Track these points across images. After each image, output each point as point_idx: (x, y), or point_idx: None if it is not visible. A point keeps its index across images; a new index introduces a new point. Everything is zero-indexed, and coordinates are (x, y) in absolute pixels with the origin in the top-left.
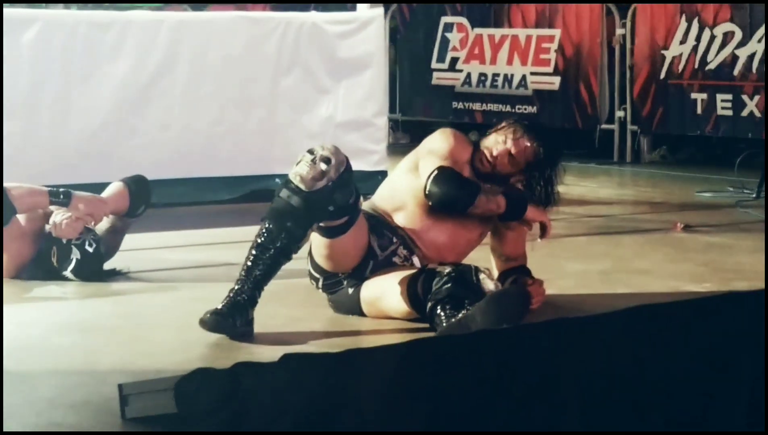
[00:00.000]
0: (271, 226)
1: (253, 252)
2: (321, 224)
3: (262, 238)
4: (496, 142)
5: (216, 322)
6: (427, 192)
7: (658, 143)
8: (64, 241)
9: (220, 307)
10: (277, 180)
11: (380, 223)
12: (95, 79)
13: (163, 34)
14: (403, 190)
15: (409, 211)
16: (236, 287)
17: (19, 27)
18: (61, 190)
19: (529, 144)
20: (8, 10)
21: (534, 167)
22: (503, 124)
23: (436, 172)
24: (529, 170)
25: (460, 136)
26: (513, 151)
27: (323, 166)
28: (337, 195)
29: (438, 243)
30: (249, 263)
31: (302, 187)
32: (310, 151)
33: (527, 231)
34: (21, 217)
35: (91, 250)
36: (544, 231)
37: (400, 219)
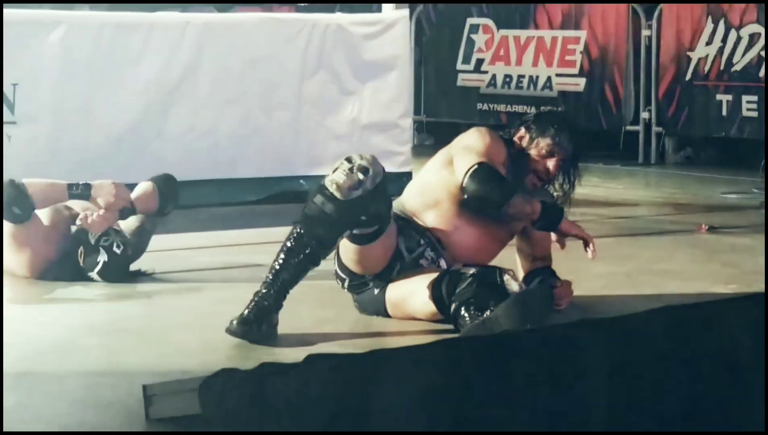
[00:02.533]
0: (302, 231)
1: (282, 256)
2: (353, 232)
3: (292, 243)
4: (549, 158)
5: (243, 331)
6: (463, 186)
7: (683, 144)
8: (93, 241)
9: (246, 313)
10: (302, 181)
11: (408, 225)
12: (121, 81)
13: (188, 36)
14: (436, 186)
15: (442, 208)
16: (263, 291)
17: (45, 29)
18: (80, 182)
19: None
20: (34, 12)
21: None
22: (549, 138)
23: (476, 166)
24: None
25: (495, 136)
26: (558, 165)
27: (360, 176)
28: (371, 205)
29: (467, 244)
30: (277, 267)
31: (338, 195)
32: (348, 160)
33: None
34: (44, 217)
35: (118, 251)
36: (587, 245)
37: (430, 218)
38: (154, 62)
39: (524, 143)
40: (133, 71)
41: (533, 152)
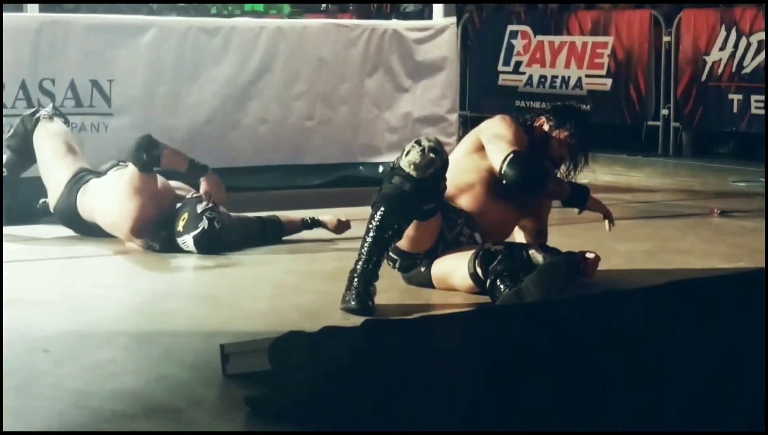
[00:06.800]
0: (387, 209)
1: (372, 234)
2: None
3: (380, 222)
4: (565, 148)
5: (362, 308)
6: (503, 173)
7: (711, 139)
8: (199, 210)
9: (358, 290)
10: (361, 167)
11: (444, 207)
12: (203, 78)
13: (262, 38)
14: (467, 170)
15: (475, 190)
16: (363, 266)
17: (136, 32)
18: (200, 163)
19: (573, 141)
20: (128, 17)
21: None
22: (567, 131)
23: (511, 155)
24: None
25: (518, 124)
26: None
27: (432, 155)
28: (442, 180)
29: (495, 219)
30: (370, 243)
31: (414, 174)
32: (418, 142)
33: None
34: (160, 183)
35: (217, 226)
36: (609, 220)
37: (462, 199)
38: (232, 62)
39: (546, 130)
40: (214, 69)
41: (553, 141)
